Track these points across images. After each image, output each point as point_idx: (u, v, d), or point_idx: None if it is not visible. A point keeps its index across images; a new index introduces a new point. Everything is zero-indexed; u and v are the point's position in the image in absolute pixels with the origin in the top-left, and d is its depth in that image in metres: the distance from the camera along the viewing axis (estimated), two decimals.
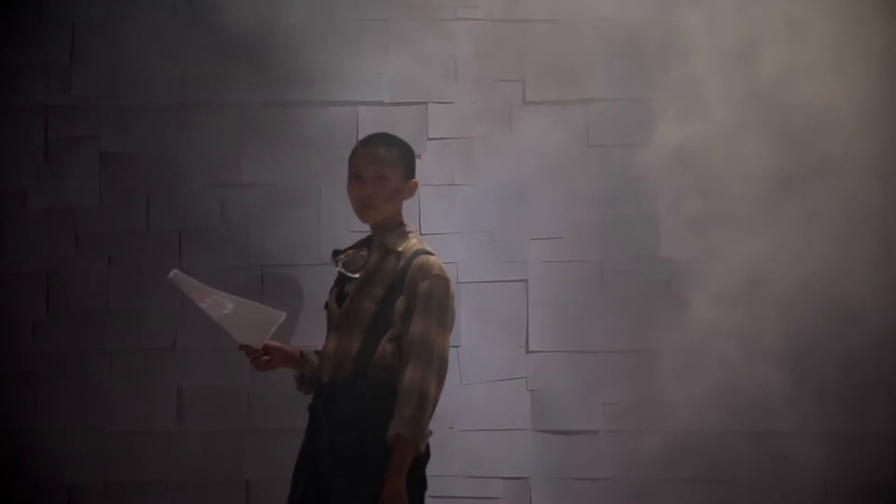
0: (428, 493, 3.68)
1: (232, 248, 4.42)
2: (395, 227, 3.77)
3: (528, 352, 4.36)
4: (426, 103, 4.44)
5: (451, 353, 3.72)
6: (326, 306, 3.83)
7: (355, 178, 3.76)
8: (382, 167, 3.73)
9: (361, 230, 3.91)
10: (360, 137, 4.29)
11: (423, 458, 3.60)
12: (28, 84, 4.46)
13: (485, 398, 4.33)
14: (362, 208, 3.75)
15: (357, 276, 3.72)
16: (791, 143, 4.39)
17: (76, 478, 4.35)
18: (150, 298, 4.38)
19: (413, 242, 3.74)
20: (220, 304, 3.66)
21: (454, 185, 4.40)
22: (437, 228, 4.29)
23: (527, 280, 4.39)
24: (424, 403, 3.53)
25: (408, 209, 3.87)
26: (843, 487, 4.31)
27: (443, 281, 3.64)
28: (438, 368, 3.58)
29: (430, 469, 3.64)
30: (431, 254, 3.72)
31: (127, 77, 4.45)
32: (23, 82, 4.46)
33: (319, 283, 4.25)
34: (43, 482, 4.35)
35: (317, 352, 3.87)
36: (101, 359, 4.38)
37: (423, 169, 4.03)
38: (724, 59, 4.41)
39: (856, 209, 4.39)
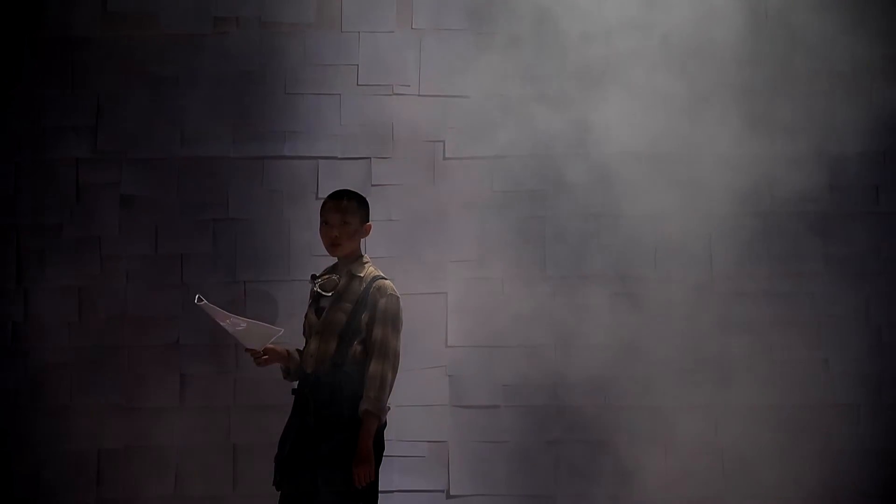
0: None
1: (221, 268, 4.84)
2: (357, 258, 4.22)
3: (447, 346, 4.83)
4: (370, 158, 4.88)
5: None
6: (306, 317, 4.22)
7: (325, 223, 4.19)
8: (345, 215, 4.17)
9: (321, 255, 4.34)
10: (319, 185, 4.78)
11: (383, 427, 4.10)
12: (62, 141, 4.85)
13: (414, 381, 4.73)
14: (331, 246, 4.20)
15: (330, 294, 4.16)
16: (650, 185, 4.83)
17: (103, 443, 4.77)
18: (158, 306, 4.82)
19: (371, 270, 4.19)
20: (236, 323, 4.06)
21: (391, 220, 4.84)
22: (379, 253, 4.59)
23: (446, 293, 4.86)
24: (384, 387, 4.04)
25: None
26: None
27: (395, 299, 4.14)
28: (394, 362, 4.08)
29: None
30: (385, 278, 4.18)
31: (140, 135, 4.85)
32: (58, 140, 4.85)
33: (289, 294, 4.79)
34: (77, 447, 4.77)
35: (298, 350, 4.27)
36: (120, 352, 4.81)
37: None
38: (609, 125, 4.84)
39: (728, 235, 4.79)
